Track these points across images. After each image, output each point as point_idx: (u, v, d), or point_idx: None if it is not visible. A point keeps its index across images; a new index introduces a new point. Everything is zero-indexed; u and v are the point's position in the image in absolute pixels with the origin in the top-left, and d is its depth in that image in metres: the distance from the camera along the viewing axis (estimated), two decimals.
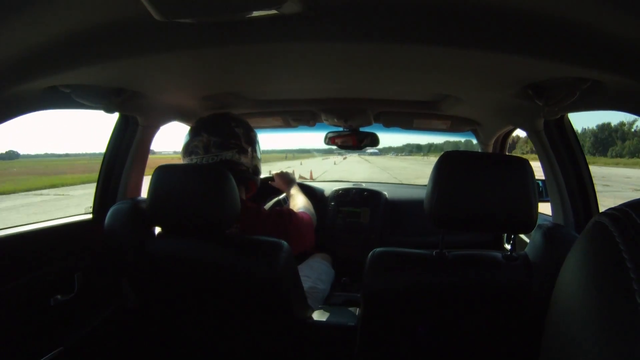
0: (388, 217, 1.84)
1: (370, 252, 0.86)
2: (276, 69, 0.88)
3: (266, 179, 1.67)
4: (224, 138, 1.07)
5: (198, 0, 0.51)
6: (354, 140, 1.61)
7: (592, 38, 0.57)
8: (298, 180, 1.76)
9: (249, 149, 1.11)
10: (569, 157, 1.10)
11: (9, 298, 0.88)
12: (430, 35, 0.61)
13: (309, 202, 1.37)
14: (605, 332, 0.26)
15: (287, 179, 1.56)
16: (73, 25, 0.62)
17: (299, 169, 15.27)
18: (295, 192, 1.46)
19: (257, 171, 1.16)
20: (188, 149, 1.08)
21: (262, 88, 1.20)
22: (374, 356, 0.91)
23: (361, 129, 1.61)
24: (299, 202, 1.35)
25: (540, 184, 1.37)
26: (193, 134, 1.08)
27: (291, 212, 1.13)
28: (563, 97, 0.78)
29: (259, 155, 1.17)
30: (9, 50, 0.66)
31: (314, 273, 1.48)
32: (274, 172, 1.60)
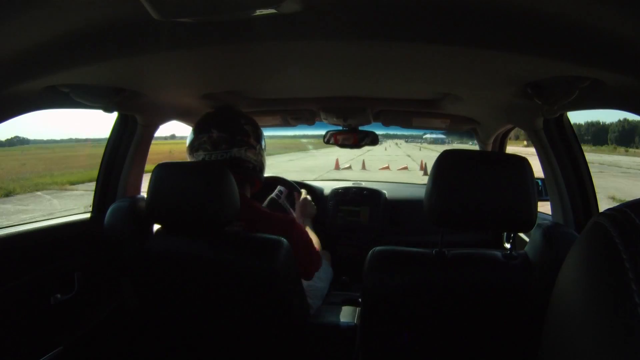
0: (387, 216, 1.84)
1: (370, 251, 0.86)
2: (275, 68, 0.88)
3: (294, 186, 1.64)
4: (233, 134, 1.05)
5: (196, 0, 0.51)
6: (353, 138, 1.61)
7: (592, 37, 0.57)
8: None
9: (257, 146, 1.09)
10: (569, 156, 1.10)
11: (9, 297, 0.88)
12: (429, 33, 0.61)
13: (319, 242, 1.32)
14: (604, 331, 0.26)
15: (309, 210, 1.51)
16: (71, 25, 0.62)
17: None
18: (308, 229, 1.38)
19: (262, 168, 1.14)
20: (194, 146, 1.05)
21: (261, 87, 1.20)
22: (374, 355, 0.91)
23: (360, 128, 1.61)
24: (311, 236, 1.26)
25: (540, 183, 1.37)
26: (200, 130, 1.05)
27: (302, 228, 1.10)
28: (562, 96, 0.78)
29: (264, 152, 1.16)
30: (8, 50, 0.66)
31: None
32: (304, 193, 1.56)
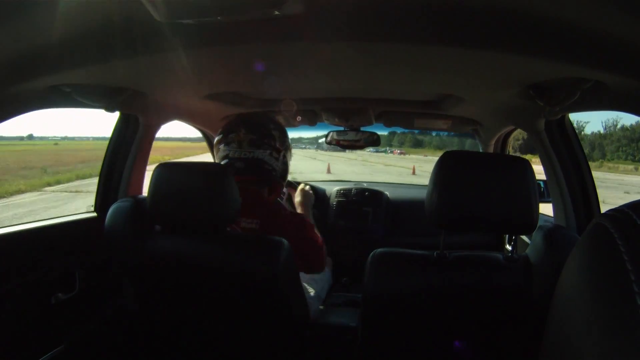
0: (389, 218, 1.84)
1: (371, 253, 0.86)
2: (277, 69, 0.88)
3: (288, 182, 1.64)
4: (260, 137, 1.09)
5: (198, 1, 0.51)
6: (355, 139, 1.61)
7: (594, 38, 0.57)
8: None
9: (281, 153, 1.13)
10: (570, 157, 1.10)
11: (10, 296, 0.89)
12: (431, 35, 0.61)
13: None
14: (606, 334, 0.26)
15: (307, 199, 1.50)
16: (74, 26, 0.62)
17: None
18: (309, 217, 1.39)
19: (284, 175, 1.18)
20: (223, 141, 1.10)
21: (263, 88, 1.20)
22: (374, 357, 0.91)
23: (362, 129, 1.61)
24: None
25: (542, 185, 1.37)
26: (231, 127, 1.10)
27: (312, 225, 1.13)
28: (564, 98, 0.78)
29: (289, 160, 1.19)
30: (11, 50, 0.66)
31: (305, 276, 1.47)
32: (302, 185, 1.56)
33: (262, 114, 1.19)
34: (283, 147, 1.13)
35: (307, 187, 1.57)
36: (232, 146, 1.08)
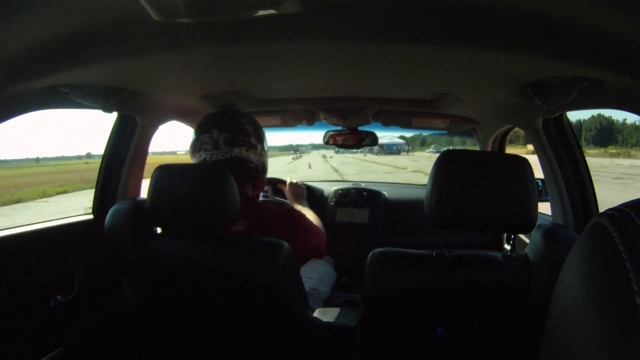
0: (388, 217, 1.84)
1: (370, 253, 0.86)
2: (275, 69, 0.88)
3: (276, 180, 1.67)
4: (234, 134, 1.05)
5: (196, 0, 0.51)
6: (353, 139, 1.61)
7: (591, 37, 0.57)
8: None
9: (258, 146, 1.10)
10: (568, 156, 1.10)
11: (9, 298, 0.88)
12: (429, 34, 0.61)
13: (317, 218, 1.35)
14: (605, 333, 0.26)
15: (298, 192, 1.54)
16: (71, 25, 0.62)
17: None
18: (301, 207, 1.41)
19: (264, 169, 1.15)
20: (197, 146, 1.06)
21: (260, 87, 1.20)
22: (373, 357, 0.91)
23: (360, 128, 1.61)
24: (308, 215, 1.29)
25: (540, 183, 1.37)
26: (202, 130, 1.07)
27: (300, 213, 1.12)
28: (562, 96, 0.78)
29: (266, 152, 1.16)
30: (7, 50, 0.66)
31: (316, 274, 1.48)
32: (289, 179, 1.60)
33: (232, 110, 1.15)
34: (258, 141, 1.10)
35: (294, 181, 1.59)
36: (207, 149, 1.04)
